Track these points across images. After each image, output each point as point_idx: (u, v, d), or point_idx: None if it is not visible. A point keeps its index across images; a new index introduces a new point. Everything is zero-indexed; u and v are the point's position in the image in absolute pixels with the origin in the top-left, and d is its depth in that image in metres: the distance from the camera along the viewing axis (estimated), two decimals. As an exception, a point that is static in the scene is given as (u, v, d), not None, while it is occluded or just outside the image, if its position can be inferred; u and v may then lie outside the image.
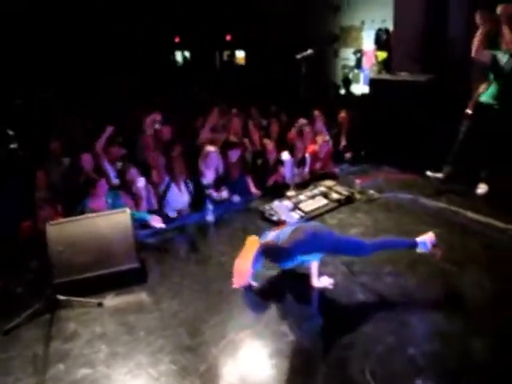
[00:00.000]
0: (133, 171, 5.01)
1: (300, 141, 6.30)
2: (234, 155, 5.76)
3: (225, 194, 5.66)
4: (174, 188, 5.34)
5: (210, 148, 5.53)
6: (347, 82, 9.48)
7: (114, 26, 11.29)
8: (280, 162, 6.02)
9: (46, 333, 3.53)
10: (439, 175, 5.79)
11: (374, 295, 3.68)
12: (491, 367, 2.91)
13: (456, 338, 3.17)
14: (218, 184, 5.67)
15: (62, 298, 3.81)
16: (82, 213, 4.51)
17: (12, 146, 3.40)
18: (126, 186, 5.00)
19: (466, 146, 5.48)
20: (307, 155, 6.35)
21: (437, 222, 4.85)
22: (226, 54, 16.21)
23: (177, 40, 16.44)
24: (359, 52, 10.89)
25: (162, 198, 5.30)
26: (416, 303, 3.57)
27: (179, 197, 5.37)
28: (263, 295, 3.81)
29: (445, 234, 4.60)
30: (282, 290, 3.85)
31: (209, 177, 5.63)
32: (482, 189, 5.61)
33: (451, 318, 3.37)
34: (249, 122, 6.82)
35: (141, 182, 4.93)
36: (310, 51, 4.74)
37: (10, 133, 3.35)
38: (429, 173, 5.88)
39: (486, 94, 5.31)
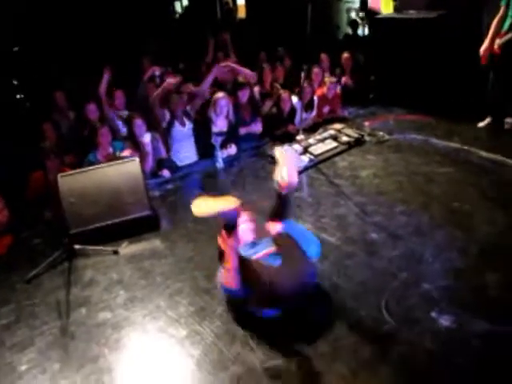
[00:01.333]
0: (138, 122, 4.91)
1: (308, 84, 6.15)
2: (244, 95, 5.65)
3: (233, 150, 5.58)
4: (176, 124, 5.30)
5: (219, 94, 5.42)
6: (354, 25, 9.16)
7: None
8: (293, 112, 5.90)
9: (65, 280, 3.61)
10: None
11: (388, 234, 3.69)
12: (504, 301, 2.92)
13: (470, 273, 3.18)
14: (229, 133, 5.58)
15: (78, 247, 3.87)
16: (91, 164, 4.49)
17: (18, 96, 3.33)
18: (132, 137, 4.93)
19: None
20: (315, 98, 6.23)
21: (448, 162, 4.82)
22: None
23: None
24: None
25: (166, 136, 5.26)
26: (430, 241, 3.56)
27: (184, 133, 5.33)
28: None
29: (457, 172, 4.59)
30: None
31: (220, 125, 5.54)
32: (507, 124, 5.49)
33: (465, 254, 3.38)
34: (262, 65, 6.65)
35: (146, 138, 4.88)
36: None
37: (15, 82, 3.27)
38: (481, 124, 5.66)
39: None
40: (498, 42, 5.04)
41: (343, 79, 6.96)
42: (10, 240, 4.25)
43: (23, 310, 3.34)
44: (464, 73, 6.00)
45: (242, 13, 15.19)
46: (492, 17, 5.27)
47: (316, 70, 6.44)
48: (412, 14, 6.43)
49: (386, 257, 3.41)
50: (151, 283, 3.47)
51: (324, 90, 6.30)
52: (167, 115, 5.25)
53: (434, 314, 2.82)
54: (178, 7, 16.49)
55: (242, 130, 5.70)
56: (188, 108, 5.42)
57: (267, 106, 6.06)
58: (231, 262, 2.86)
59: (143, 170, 4.33)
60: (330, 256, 3.48)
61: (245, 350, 2.75)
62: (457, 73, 6.06)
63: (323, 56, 6.94)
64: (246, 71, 5.92)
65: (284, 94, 5.91)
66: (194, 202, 2.93)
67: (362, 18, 9.99)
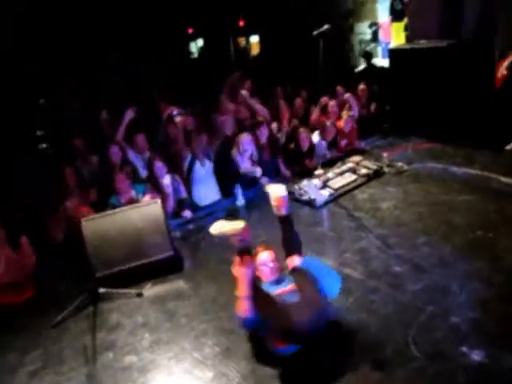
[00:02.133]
0: (158, 164, 5.02)
1: (327, 120, 6.23)
2: (263, 134, 5.73)
3: (258, 171, 5.64)
4: (197, 164, 5.39)
5: (243, 134, 5.53)
6: (368, 56, 9.30)
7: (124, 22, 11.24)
8: (311, 148, 5.97)
9: (91, 324, 3.64)
10: None
11: (411, 266, 3.65)
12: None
13: (497, 303, 3.13)
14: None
15: (102, 290, 3.91)
16: (114, 207, 4.58)
17: (42, 145, 3.47)
18: (153, 179, 5.03)
19: None
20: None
21: (468, 189, 4.78)
22: (240, 40, 16.12)
23: (190, 31, 16.45)
24: (375, 25, 10.69)
25: (187, 175, 5.35)
26: (454, 271, 3.51)
27: (204, 173, 5.41)
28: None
29: (477, 200, 4.55)
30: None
31: (245, 165, 5.62)
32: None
33: (490, 283, 3.32)
34: (279, 102, 6.75)
35: (166, 179, 4.97)
36: (326, 26, 4.66)
37: (39, 133, 3.41)
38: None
39: None
40: (505, 64, 5.09)
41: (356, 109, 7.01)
42: (34, 284, 4.32)
43: (50, 356, 3.37)
44: (478, 99, 6.03)
45: (255, 50, 15.61)
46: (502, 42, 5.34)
47: (332, 103, 6.52)
48: (423, 43, 6.52)
49: (410, 290, 3.37)
50: (176, 325, 3.48)
51: (341, 123, 6.36)
52: (188, 155, 5.36)
53: (464, 349, 2.76)
54: (193, 48, 17.09)
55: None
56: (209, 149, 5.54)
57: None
58: (243, 290, 2.93)
59: (165, 211, 4.40)
60: (355, 291, 3.45)
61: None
62: (471, 99, 6.08)
63: (339, 89, 7.04)
64: (259, 107, 6.06)
65: (302, 132, 5.94)
66: (212, 225, 3.15)
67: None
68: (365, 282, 3.54)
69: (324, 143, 6.10)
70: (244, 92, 6.12)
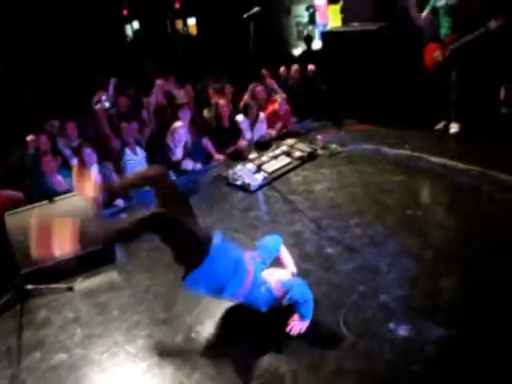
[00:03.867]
0: (87, 151, 4.83)
1: (253, 101, 6.21)
2: (185, 117, 5.64)
3: (189, 164, 5.55)
4: (128, 152, 5.25)
5: (177, 123, 5.39)
6: (309, 39, 9.33)
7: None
8: (237, 127, 5.93)
9: (17, 324, 3.46)
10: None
11: (343, 247, 3.71)
12: (459, 305, 2.97)
13: (425, 280, 3.22)
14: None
15: (30, 287, 3.73)
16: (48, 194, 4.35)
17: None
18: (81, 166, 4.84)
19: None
20: (262, 114, 6.28)
21: (400, 170, 4.91)
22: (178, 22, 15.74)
23: (125, 13, 15.90)
24: (311, 7, 10.71)
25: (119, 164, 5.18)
26: (385, 251, 3.60)
27: (137, 161, 5.27)
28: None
29: (409, 180, 4.67)
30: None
31: (178, 153, 5.51)
32: (453, 128, 5.58)
33: (419, 260, 3.43)
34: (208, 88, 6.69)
35: (94, 169, 4.79)
36: (256, 9, 4.59)
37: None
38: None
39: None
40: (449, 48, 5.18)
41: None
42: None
43: (-29, 361, 3.18)
44: (409, 81, 6.19)
45: (193, 32, 15.31)
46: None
47: (258, 88, 6.51)
48: (355, 26, 6.59)
49: (342, 271, 3.43)
50: (108, 318, 3.38)
51: (275, 106, 6.36)
52: (118, 144, 5.19)
53: (391, 325, 2.84)
54: (128, 31, 16.54)
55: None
56: (139, 137, 5.38)
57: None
58: None
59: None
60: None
61: (206, 380, 2.69)
62: (402, 82, 6.23)
63: (264, 71, 7.00)
64: (176, 91, 6.00)
65: (221, 100, 5.93)
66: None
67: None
68: (298, 266, 3.55)
69: (247, 122, 6.06)
70: (158, 81, 6.02)
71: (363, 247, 3.68)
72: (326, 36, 6.86)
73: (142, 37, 16.13)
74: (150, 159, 5.38)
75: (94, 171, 4.84)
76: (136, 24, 16.52)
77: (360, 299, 3.11)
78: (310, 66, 7.23)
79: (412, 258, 3.47)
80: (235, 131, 5.96)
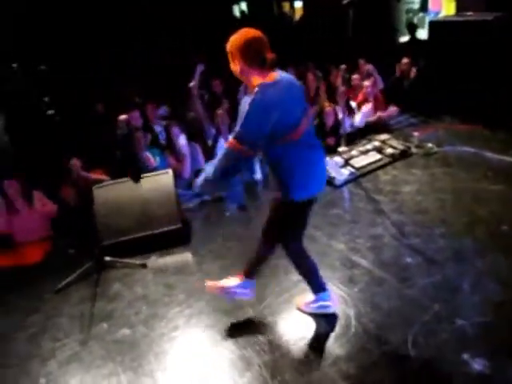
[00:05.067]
0: (175, 129, 4.95)
1: (346, 88, 5.93)
2: None
3: None
4: (221, 140, 5.22)
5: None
6: (412, 28, 8.70)
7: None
8: (337, 126, 5.68)
9: (92, 293, 3.65)
10: None
11: (424, 259, 3.42)
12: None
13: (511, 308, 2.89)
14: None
15: (108, 259, 3.90)
16: (136, 166, 4.52)
17: (49, 112, 3.41)
18: (171, 145, 4.95)
19: None
20: (354, 104, 5.98)
21: (501, 178, 4.43)
22: (284, 4, 15.56)
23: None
24: (424, -7, 10.02)
25: (211, 153, 5.19)
26: (469, 268, 3.26)
27: None
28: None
29: (509, 190, 4.21)
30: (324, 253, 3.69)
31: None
32: None
33: (508, 285, 3.06)
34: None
35: (182, 140, 4.87)
36: (354, -5, 4.33)
37: (46, 99, 3.35)
38: None
39: None
40: None
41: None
42: (48, 247, 4.39)
43: (49, 321, 3.42)
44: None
45: (298, 15, 15.05)
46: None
47: (355, 76, 6.22)
48: (470, 15, 6.01)
49: (418, 284, 3.17)
50: (174, 300, 3.43)
51: (364, 91, 6.05)
52: (213, 131, 5.22)
53: (465, 356, 2.56)
54: (236, 12, 16.67)
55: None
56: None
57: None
58: None
59: (180, 179, 4.33)
60: (359, 281, 3.28)
61: (258, 380, 2.63)
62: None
63: (361, 61, 6.66)
64: None
65: (328, 107, 5.65)
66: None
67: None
68: (372, 272, 3.35)
69: (348, 121, 5.81)
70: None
71: (446, 261, 3.37)
72: (435, 25, 6.32)
73: (249, 18, 16.16)
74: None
75: (183, 142, 4.91)
76: (244, 5, 16.58)
77: (434, 320, 2.85)
78: (405, 60, 6.73)
79: (500, 281, 3.11)
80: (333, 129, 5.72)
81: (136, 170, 4.07)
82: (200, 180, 2.52)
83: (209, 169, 2.44)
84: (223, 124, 5.24)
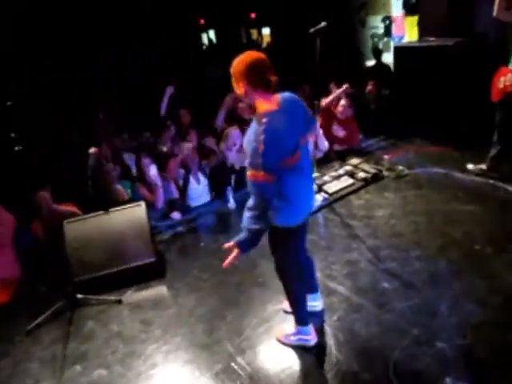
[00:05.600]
0: (145, 160, 4.91)
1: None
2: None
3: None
4: (192, 181, 5.19)
5: (230, 127, 5.34)
6: (377, 52, 8.95)
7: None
8: None
9: (65, 333, 3.53)
10: (482, 166, 5.03)
11: (401, 283, 3.43)
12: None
13: (490, 328, 2.89)
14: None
15: (80, 296, 3.79)
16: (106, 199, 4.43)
17: (16, 148, 3.34)
18: (142, 176, 4.90)
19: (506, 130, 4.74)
20: (320, 129, 6.04)
21: (472, 198, 4.52)
22: (252, 32, 15.87)
23: (202, 22, 16.24)
24: (388, 19, 10.34)
25: (183, 192, 5.16)
26: (446, 290, 3.28)
27: (199, 189, 5.24)
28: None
29: (480, 211, 4.28)
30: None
31: (232, 159, 5.41)
32: None
33: (485, 305, 3.08)
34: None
35: (153, 170, 4.81)
36: (323, 24, 4.42)
37: (13, 135, 3.29)
38: (470, 166, 5.14)
39: None
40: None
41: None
42: (16, 285, 4.24)
43: (18, 366, 3.26)
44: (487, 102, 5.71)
45: (266, 42, 15.35)
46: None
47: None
48: (432, 41, 6.21)
49: (396, 309, 3.16)
50: (151, 337, 3.34)
51: (338, 109, 6.10)
52: (181, 173, 5.19)
53: (448, 380, 2.55)
54: (204, 39, 16.89)
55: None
56: (203, 163, 5.34)
57: None
58: None
59: (153, 210, 4.26)
60: (338, 309, 3.26)
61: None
62: (479, 102, 5.76)
63: (332, 86, 6.76)
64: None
65: None
66: None
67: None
68: (350, 299, 3.34)
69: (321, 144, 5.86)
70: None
71: (423, 284, 3.38)
72: (399, 50, 6.51)
73: (218, 45, 16.39)
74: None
75: (153, 172, 4.85)
76: (212, 33, 16.82)
77: (414, 344, 2.84)
78: (370, 83, 6.88)
79: (477, 302, 3.13)
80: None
81: (106, 204, 3.98)
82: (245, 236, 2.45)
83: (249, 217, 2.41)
84: (193, 162, 5.21)
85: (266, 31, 15.29)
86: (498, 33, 5.60)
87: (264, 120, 2.29)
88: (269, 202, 2.39)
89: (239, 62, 2.38)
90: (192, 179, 5.17)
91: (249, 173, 2.34)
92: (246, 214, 2.43)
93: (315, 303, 3.23)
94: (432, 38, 6.20)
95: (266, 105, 2.38)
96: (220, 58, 14.29)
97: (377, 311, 3.18)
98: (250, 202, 2.41)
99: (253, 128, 2.35)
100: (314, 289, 3.21)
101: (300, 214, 2.61)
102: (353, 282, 3.54)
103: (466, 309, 3.09)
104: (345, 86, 5.92)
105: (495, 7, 4.35)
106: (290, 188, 2.45)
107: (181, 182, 5.13)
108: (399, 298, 3.28)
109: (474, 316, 3.01)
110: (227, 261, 2.52)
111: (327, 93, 6.50)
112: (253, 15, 15.20)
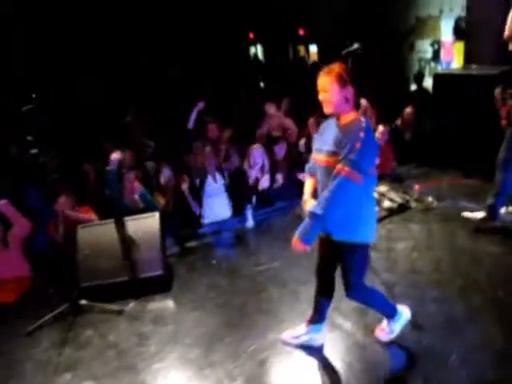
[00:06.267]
0: (166, 171, 4.88)
1: None
2: (280, 151, 5.43)
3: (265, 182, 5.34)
4: (209, 179, 5.16)
5: (253, 145, 5.26)
6: (419, 77, 8.66)
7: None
8: None
9: (63, 337, 3.50)
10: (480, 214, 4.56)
11: (411, 324, 3.17)
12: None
13: (504, 385, 2.66)
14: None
15: (84, 302, 3.76)
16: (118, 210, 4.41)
17: (33, 151, 3.37)
18: (160, 186, 4.87)
19: None
20: None
21: (500, 240, 4.21)
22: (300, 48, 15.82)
23: (251, 36, 16.36)
24: (437, 43, 10.07)
25: (198, 192, 5.10)
26: (460, 338, 3.04)
27: (215, 189, 5.19)
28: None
29: (509, 253, 3.99)
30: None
31: (253, 175, 5.35)
32: None
33: (504, 360, 2.83)
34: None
35: (166, 172, 4.77)
36: (356, 45, 4.27)
37: (29, 138, 3.31)
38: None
39: None
40: None
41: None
42: (26, 285, 4.26)
43: (14, 367, 3.27)
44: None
45: (313, 59, 15.24)
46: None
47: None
48: (475, 69, 5.94)
49: (403, 354, 2.95)
50: (145, 352, 3.26)
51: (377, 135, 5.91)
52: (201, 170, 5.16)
53: None
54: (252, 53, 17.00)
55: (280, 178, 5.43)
56: (224, 166, 5.29)
57: None
58: None
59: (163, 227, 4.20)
60: (340, 347, 3.08)
61: None
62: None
63: (362, 101, 6.55)
64: (291, 126, 5.78)
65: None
66: None
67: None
68: (354, 336, 3.15)
69: None
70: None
71: (435, 329, 3.15)
72: (439, 78, 6.26)
73: (266, 60, 16.46)
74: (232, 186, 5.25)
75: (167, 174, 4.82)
76: (259, 48, 16.91)
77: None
78: (408, 109, 6.64)
79: (494, 354, 2.88)
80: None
81: (120, 213, 3.95)
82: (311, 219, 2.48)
83: (321, 204, 2.44)
84: (210, 163, 5.19)
85: (313, 49, 15.20)
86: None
87: (360, 122, 2.45)
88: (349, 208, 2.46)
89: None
90: (209, 177, 5.15)
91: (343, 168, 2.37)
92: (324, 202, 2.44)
93: (316, 336, 3.07)
94: (475, 66, 5.93)
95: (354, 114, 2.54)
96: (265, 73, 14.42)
97: (383, 353, 2.97)
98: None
99: (337, 130, 2.50)
100: (321, 318, 3.05)
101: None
102: (360, 318, 3.33)
103: (480, 362, 2.84)
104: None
105: (507, 27, 4.09)
106: (370, 198, 2.65)
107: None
108: (406, 341, 3.05)
109: (488, 371, 2.77)
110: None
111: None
112: (301, 32, 15.15)
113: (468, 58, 6.89)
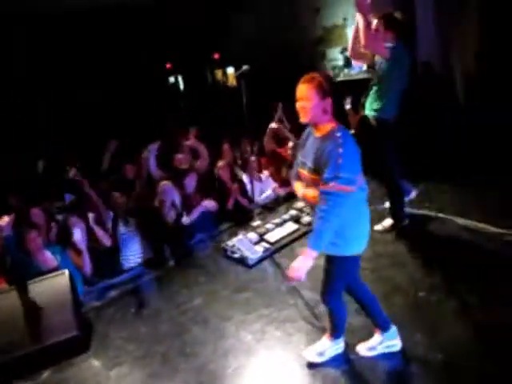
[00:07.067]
0: (73, 219, 4.58)
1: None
2: (190, 183, 5.27)
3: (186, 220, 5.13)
4: (120, 223, 4.89)
5: (162, 183, 5.02)
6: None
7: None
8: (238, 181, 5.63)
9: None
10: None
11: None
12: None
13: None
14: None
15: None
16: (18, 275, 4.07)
17: None
18: (69, 240, 4.55)
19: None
20: (265, 172, 5.89)
21: (418, 236, 4.29)
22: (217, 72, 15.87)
23: (168, 66, 16.25)
24: (345, 50, 10.37)
25: (113, 236, 4.84)
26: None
27: (128, 233, 4.92)
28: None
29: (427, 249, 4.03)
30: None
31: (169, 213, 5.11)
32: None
33: (425, 364, 2.81)
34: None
35: (77, 234, 4.45)
36: (245, 67, 4.29)
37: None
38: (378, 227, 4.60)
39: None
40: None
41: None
42: None
43: None
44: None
45: (232, 82, 15.29)
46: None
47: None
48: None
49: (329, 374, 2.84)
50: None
51: (284, 152, 5.94)
52: (111, 214, 4.88)
53: None
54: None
55: (195, 212, 5.21)
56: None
57: None
58: None
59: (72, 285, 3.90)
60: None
61: None
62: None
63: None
64: (204, 154, 5.68)
65: (220, 165, 5.62)
66: None
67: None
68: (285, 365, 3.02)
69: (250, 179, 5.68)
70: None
71: (358, 341, 3.08)
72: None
73: (185, 88, 16.35)
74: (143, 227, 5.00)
75: (78, 237, 4.49)
76: (179, 76, 16.80)
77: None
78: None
79: (417, 360, 2.84)
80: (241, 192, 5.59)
81: (20, 278, 3.64)
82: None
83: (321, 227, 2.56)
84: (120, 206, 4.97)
85: (230, 70, 15.27)
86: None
87: (338, 135, 2.38)
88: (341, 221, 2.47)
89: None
90: (120, 222, 4.90)
91: (327, 186, 2.37)
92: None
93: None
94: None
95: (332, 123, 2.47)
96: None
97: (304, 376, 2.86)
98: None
99: (315, 144, 2.48)
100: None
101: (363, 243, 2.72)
102: (285, 346, 3.22)
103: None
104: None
105: (349, 47, 4.31)
106: (357, 214, 2.58)
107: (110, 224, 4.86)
108: (330, 362, 2.96)
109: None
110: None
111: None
112: (217, 56, 15.21)
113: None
